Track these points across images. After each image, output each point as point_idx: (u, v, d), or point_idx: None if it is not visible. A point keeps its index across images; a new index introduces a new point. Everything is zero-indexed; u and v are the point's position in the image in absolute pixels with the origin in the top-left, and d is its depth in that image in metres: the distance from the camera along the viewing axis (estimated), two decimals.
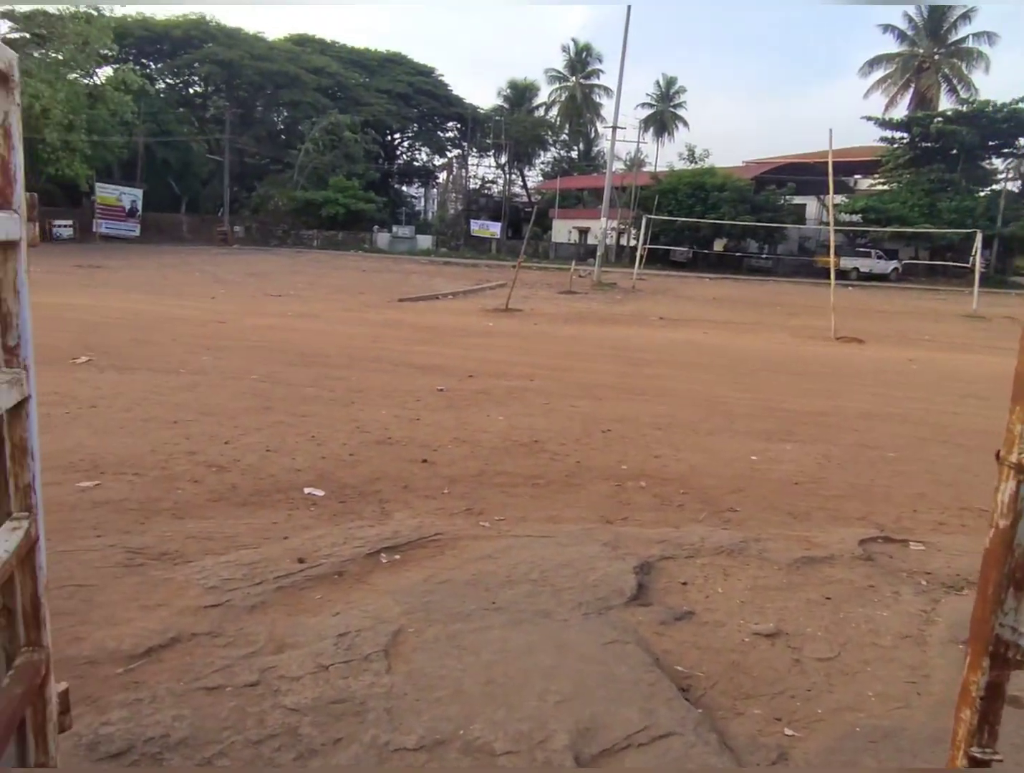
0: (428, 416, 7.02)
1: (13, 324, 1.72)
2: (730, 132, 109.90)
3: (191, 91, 55.77)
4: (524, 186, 66.90)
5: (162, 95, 51.47)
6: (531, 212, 33.49)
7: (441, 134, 65.11)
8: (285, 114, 56.10)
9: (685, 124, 67.39)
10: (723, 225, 41.93)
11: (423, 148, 65.86)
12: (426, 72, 61.88)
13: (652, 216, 39.10)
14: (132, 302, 15.51)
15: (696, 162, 59.40)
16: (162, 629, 3.09)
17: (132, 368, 8.69)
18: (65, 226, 42.28)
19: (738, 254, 47.65)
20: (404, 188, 67.95)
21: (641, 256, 35.09)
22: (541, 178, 67.04)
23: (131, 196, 44.88)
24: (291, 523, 4.33)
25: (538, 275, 33.91)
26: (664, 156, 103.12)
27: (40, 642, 1.83)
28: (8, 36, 44.11)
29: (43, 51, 41.25)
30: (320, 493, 4.84)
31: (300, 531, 4.21)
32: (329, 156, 50.15)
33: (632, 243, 46.30)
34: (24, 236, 1.72)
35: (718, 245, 48.45)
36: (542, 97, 68.68)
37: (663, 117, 66.87)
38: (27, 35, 43.61)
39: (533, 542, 4.14)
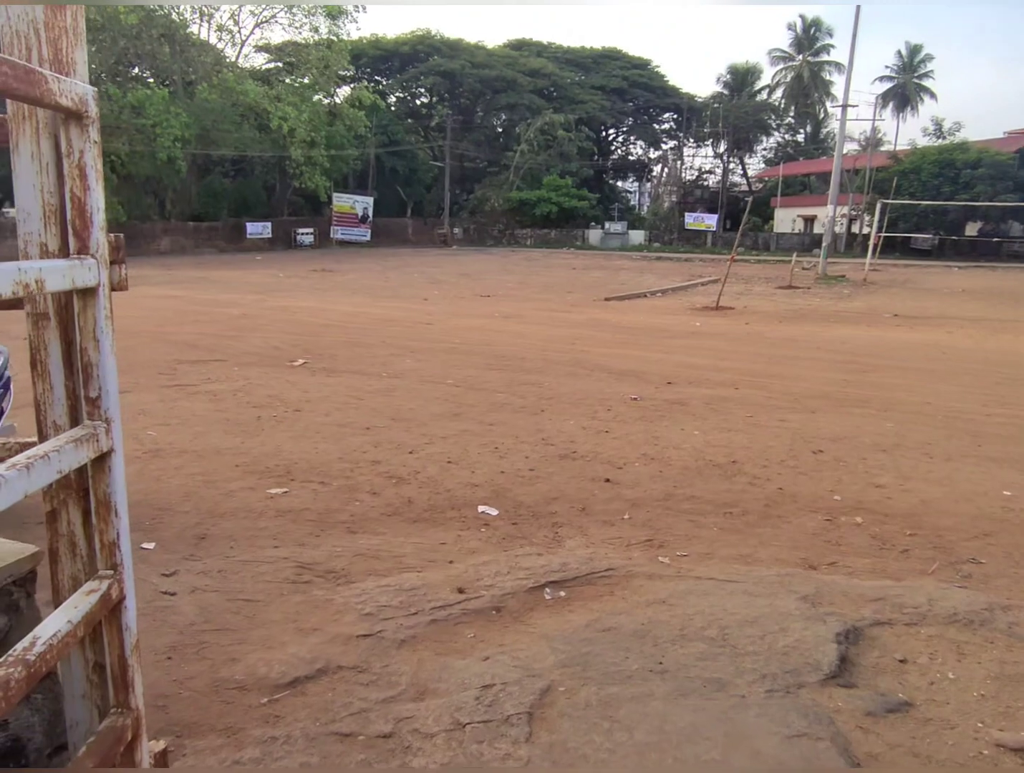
0: (617, 428, 6.63)
1: (94, 374, 1.61)
2: (987, 101, 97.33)
3: (417, 102, 59.23)
4: (744, 175, 63.81)
5: (392, 108, 55.15)
6: (749, 201, 31.68)
7: (656, 126, 63.82)
8: (503, 117, 57.86)
9: (932, 96, 60.61)
10: (977, 207, 37.04)
11: (638, 142, 64.98)
12: (641, 65, 60.98)
13: (889, 200, 35.47)
14: (354, 305, 16.57)
15: (944, 138, 53.16)
16: (311, 658, 3.01)
17: (340, 371, 9.14)
18: (307, 233, 46.63)
19: (996, 239, 41.90)
20: (618, 183, 67.51)
21: (875, 244, 31.94)
22: (763, 166, 63.57)
23: (363, 203, 48.54)
24: (459, 546, 4.16)
25: (756, 269, 32.05)
26: (905, 133, 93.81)
27: (128, 704, 1.72)
28: (264, 67, 49.45)
29: (292, 77, 45.68)
30: (494, 512, 4.65)
31: (466, 555, 4.03)
32: (543, 156, 50.99)
33: (865, 231, 42.41)
34: (104, 282, 1.60)
35: (970, 229, 42.94)
36: (764, 80, 65.00)
37: (905, 90, 60.58)
38: (280, 64, 48.64)
39: (717, 587, 3.64)
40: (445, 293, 19.92)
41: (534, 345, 11.21)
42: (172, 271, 27.85)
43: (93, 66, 41.54)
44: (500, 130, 59.04)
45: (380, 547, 4.10)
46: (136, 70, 43.32)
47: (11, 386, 4.86)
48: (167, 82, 42.23)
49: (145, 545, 4.09)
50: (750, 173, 63.61)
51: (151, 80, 42.40)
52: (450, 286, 22.15)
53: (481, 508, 4.70)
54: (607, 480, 5.26)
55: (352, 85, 51.49)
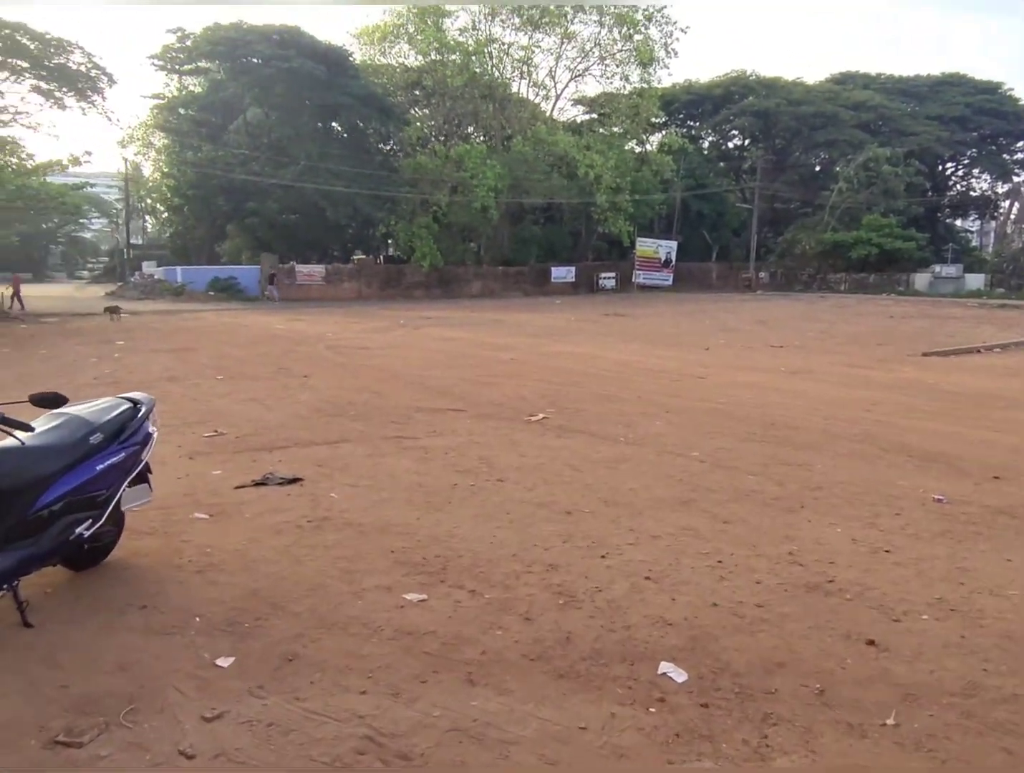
0: (905, 547, 4.64)
1: None
2: None
3: (729, 145, 57.35)
4: None
5: (703, 152, 53.92)
6: None
7: (1007, 157, 54.72)
8: (820, 156, 53.69)
9: None
10: None
11: (982, 175, 56.19)
12: (989, 89, 52.93)
13: None
14: (628, 352, 15.50)
15: None
16: None
17: (575, 430, 8.04)
18: (609, 278, 46.97)
19: None
20: (956, 222, 58.95)
21: None
22: None
23: (667, 248, 47.74)
24: (604, 738, 2.75)
25: None
26: None
27: None
28: (578, 119, 51.16)
29: (604, 128, 46.61)
30: (680, 677, 3.15)
31: (606, 760, 2.63)
32: (864, 194, 46.05)
33: None
34: None
35: None
36: None
37: None
38: (593, 115, 50.02)
39: None
40: (732, 342, 18.04)
41: (816, 410, 9.13)
42: (473, 313, 29.28)
43: (431, 123, 46.18)
44: (816, 169, 54.85)
45: (492, 720, 2.85)
46: (463, 128, 47.27)
47: (151, 442, 4.47)
48: (487, 137, 45.51)
49: (220, 662, 3.29)
50: None
51: (473, 136, 45.93)
52: (741, 334, 20.14)
53: (664, 667, 3.23)
54: (871, 642, 3.44)
55: (664, 132, 51.27)
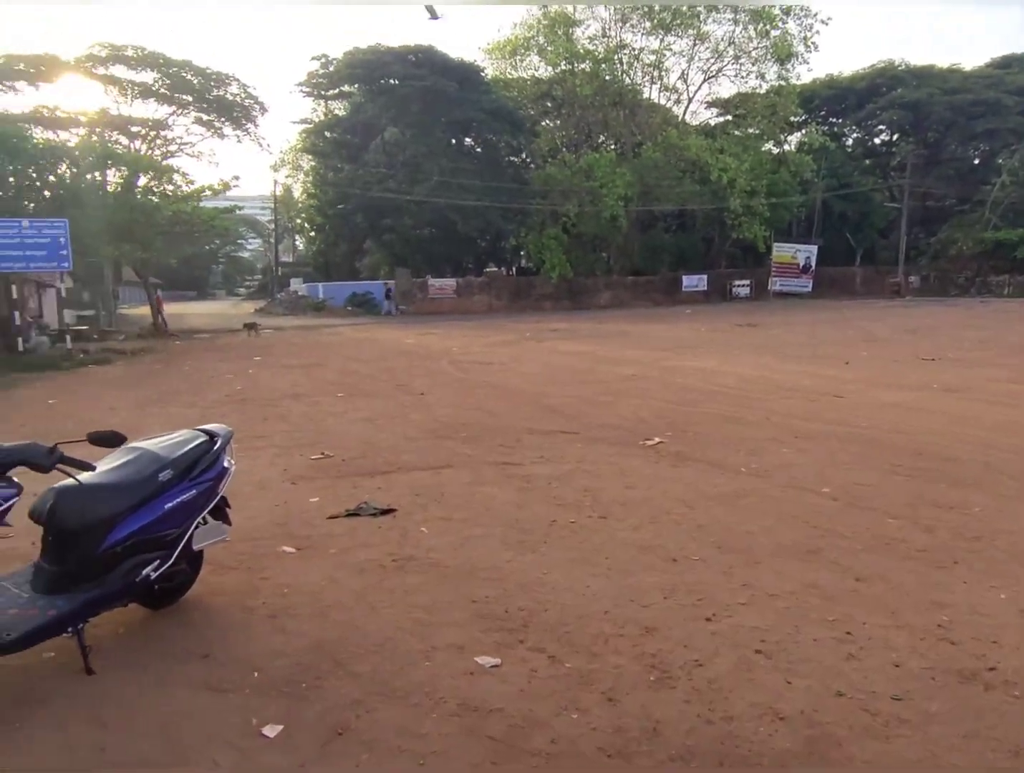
0: None
1: None
2: None
3: (876, 141, 53.74)
4: None
5: (847, 149, 50.80)
6: None
7: None
8: (980, 148, 49.21)
9: None
10: None
11: None
12: None
13: None
14: (757, 367, 14.49)
15: None
16: None
17: (692, 458, 7.40)
18: (743, 285, 45.03)
19: None
20: None
21: None
22: None
23: (805, 253, 45.21)
24: None
25: None
26: None
27: None
28: (711, 121, 49.49)
29: (740, 129, 44.85)
30: None
31: None
32: None
33: None
34: None
35: None
36: None
37: None
38: (728, 117, 48.25)
39: None
40: (878, 354, 16.55)
41: (975, 438, 7.98)
42: (600, 325, 28.75)
43: (560, 134, 46.09)
44: (975, 162, 50.32)
45: None
46: (593, 137, 46.80)
47: (227, 477, 4.29)
48: (617, 145, 44.86)
49: (267, 731, 3.00)
50: None
51: (603, 144, 45.38)
52: (887, 345, 18.49)
53: None
54: None
55: (803, 131, 48.73)
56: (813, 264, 45.43)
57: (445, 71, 40.80)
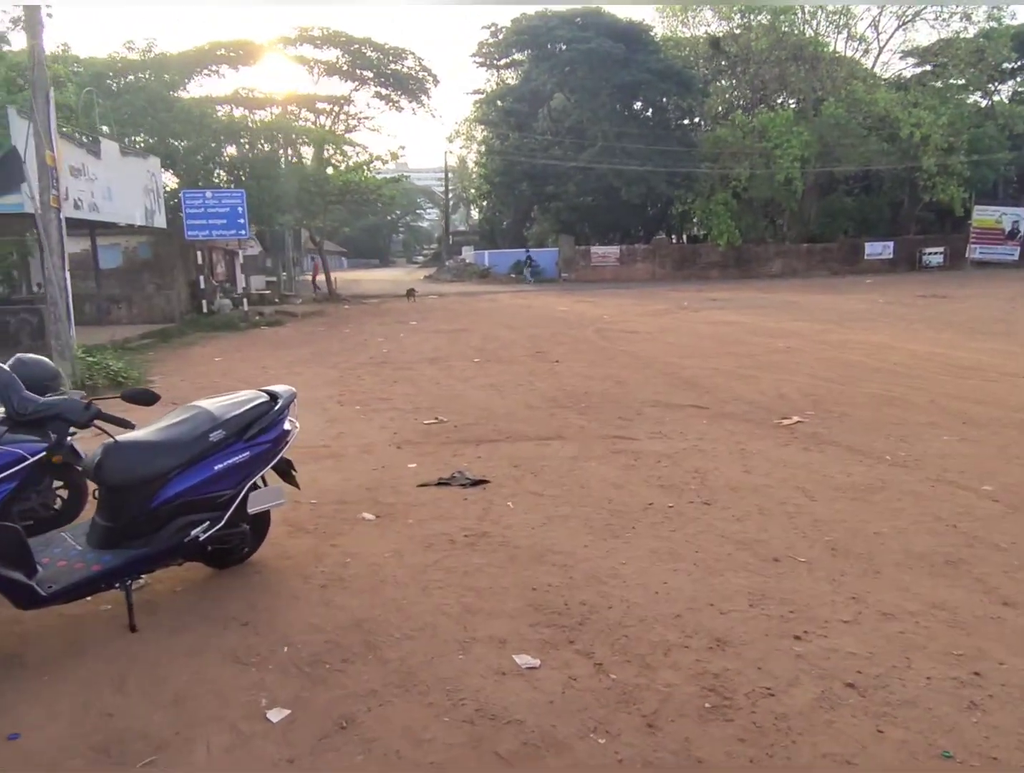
0: None
1: None
2: None
3: None
4: None
5: None
6: None
7: None
8: None
9: None
10: None
11: None
12: None
13: None
14: (932, 344, 12.81)
15: None
16: None
17: (831, 441, 6.52)
18: (935, 253, 40.75)
19: None
20: None
21: None
22: None
23: (1013, 216, 39.94)
24: None
25: None
26: None
27: None
28: (906, 72, 44.74)
29: (940, 80, 40.26)
30: None
31: None
32: None
33: None
34: None
35: None
36: None
37: None
38: (927, 67, 43.41)
39: None
40: None
41: None
42: (766, 294, 26.97)
43: (733, 93, 43.61)
44: None
45: None
46: (771, 96, 43.82)
47: (288, 439, 4.13)
48: (798, 102, 41.69)
49: (272, 715, 2.80)
50: None
51: (781, 103, 42.36)
52: None
53: None
54: None
55: (1017, 78, 42.92)
56: (1022, 229, 40.10)
57: (612, 33, 39.52)
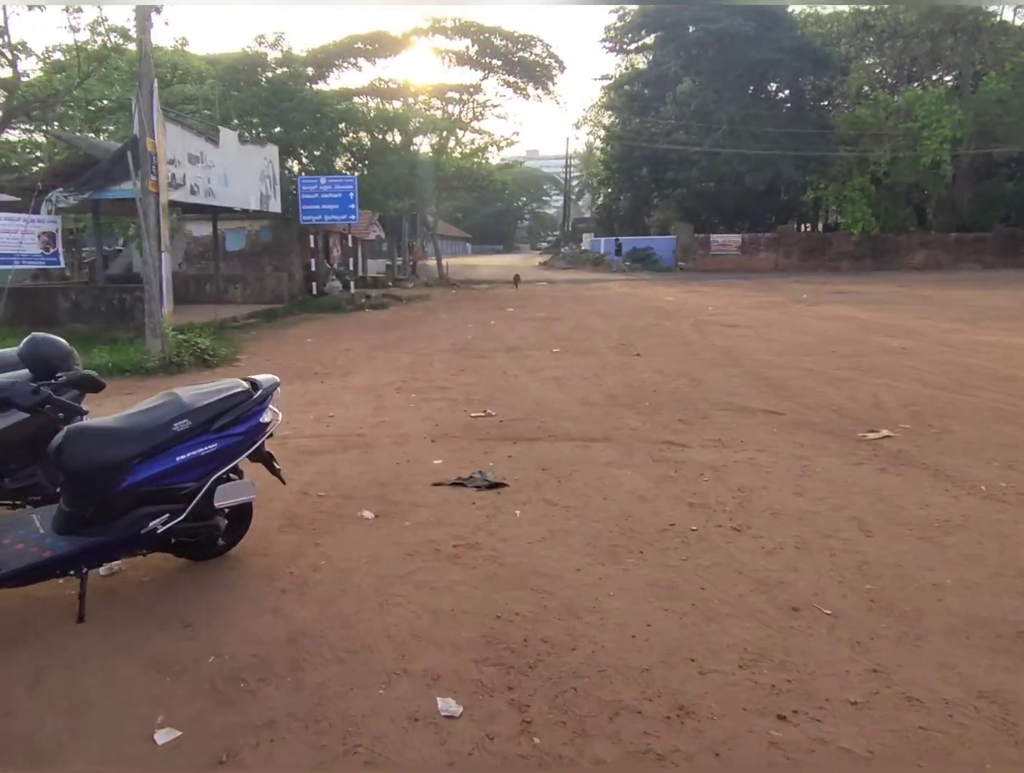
0: None
1: None
2: None
3: None
4: None
5: None
6: None
7: None
8: None
9: None
10: None
11: None
12: None
13: None
14: None
15: None
16: None
17: (918, 463, 5.61)
18: None
19: None
20: None
21: None
22: None
23: None
24: None
25: None
26: None
27: None
28: None
29: None
30: None
31: None
32: None
33: None
34: None
35: None
36: None
37: None
38: None
39: None
40: None
41: None
42: (900, 288, 24.90)
43: (878, 71, 40.53)
44: None
45: None
46: (921, 72, 40.45)
47: (264, 432, 3.87)
48: (953, 77, 38.25)
49: (160, 736, 2.52)
50: None
51: (933, 79, 38.96)
52: None
53: None
54: None
55: None
56: None
57: (744, 11, 37.51)
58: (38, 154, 20.47)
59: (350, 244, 28.94)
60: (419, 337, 14.15)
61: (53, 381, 3.58)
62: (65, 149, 18.68)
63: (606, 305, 20.55)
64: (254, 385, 3.94)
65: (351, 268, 28.64)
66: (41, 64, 14.08)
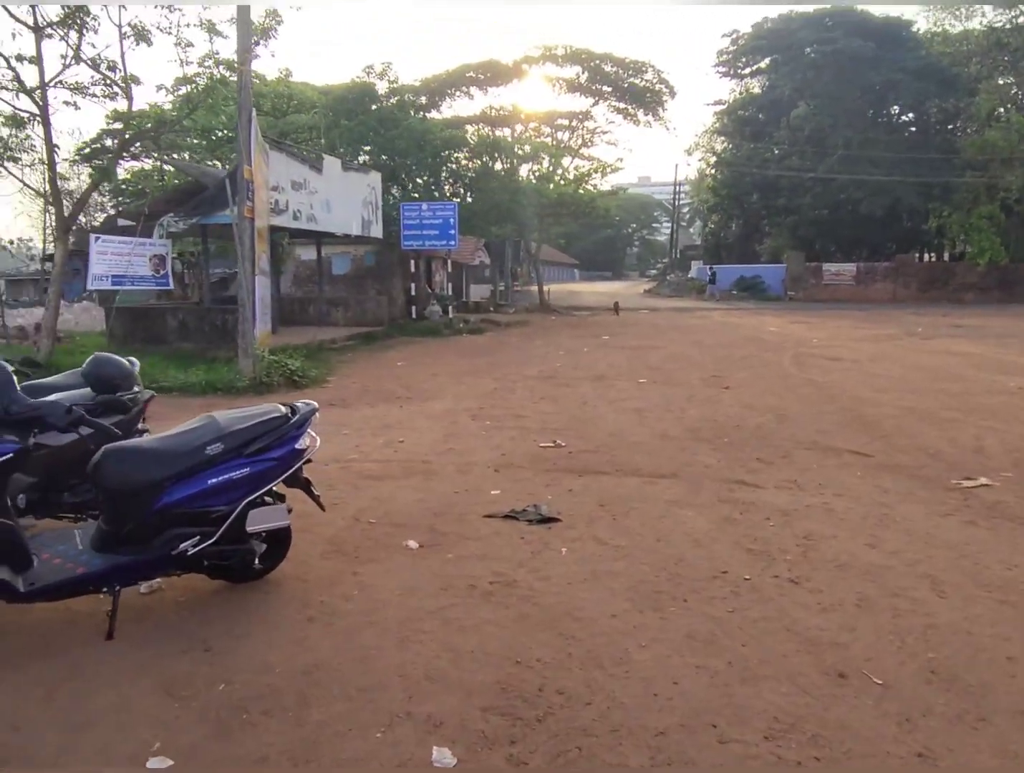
0: None
1: None
2: None
3: None
4: None
5: None
6: None
7: None
8: None
9: None
10: None
11: None
12: None
13: None
14: None
15: None
16: None
17: (1012, 517, 5.08)
18: None
19: None
20: None
21: None
22: None
23: None
24: None
25: None
26: None
27: None
28: None
29: None
30: None
31: None
32: None
33: None
34: None
35: None
36: None
37: None
38: None
39: None
40: None
41: None
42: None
43: (1012, 92, 38.21)
44: None
45: None
46: None
47: (300, 458, 3.90)
48: None
49: (152, 763, 2.52)
50: None
51: None
52: None
53: None
54: None
55: None
56: None
57: (862, 32, 36.17)
58: (163, 181, 21.97)
59: (450, 269, 29.47)
60: (508, 363, 14.18)
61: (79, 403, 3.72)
62: (181, 176, 19.97)
63: (705, 334, 20.02)
64: (293, 410, 3.98)
65: (452, 293, 29.15)
66: (171, 97, 15.10)
